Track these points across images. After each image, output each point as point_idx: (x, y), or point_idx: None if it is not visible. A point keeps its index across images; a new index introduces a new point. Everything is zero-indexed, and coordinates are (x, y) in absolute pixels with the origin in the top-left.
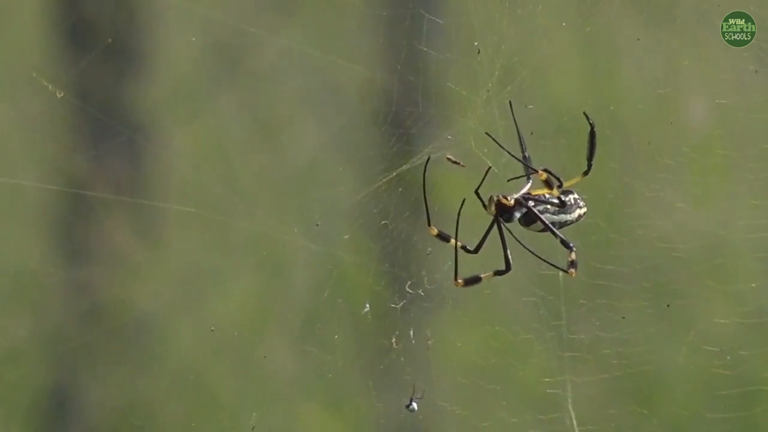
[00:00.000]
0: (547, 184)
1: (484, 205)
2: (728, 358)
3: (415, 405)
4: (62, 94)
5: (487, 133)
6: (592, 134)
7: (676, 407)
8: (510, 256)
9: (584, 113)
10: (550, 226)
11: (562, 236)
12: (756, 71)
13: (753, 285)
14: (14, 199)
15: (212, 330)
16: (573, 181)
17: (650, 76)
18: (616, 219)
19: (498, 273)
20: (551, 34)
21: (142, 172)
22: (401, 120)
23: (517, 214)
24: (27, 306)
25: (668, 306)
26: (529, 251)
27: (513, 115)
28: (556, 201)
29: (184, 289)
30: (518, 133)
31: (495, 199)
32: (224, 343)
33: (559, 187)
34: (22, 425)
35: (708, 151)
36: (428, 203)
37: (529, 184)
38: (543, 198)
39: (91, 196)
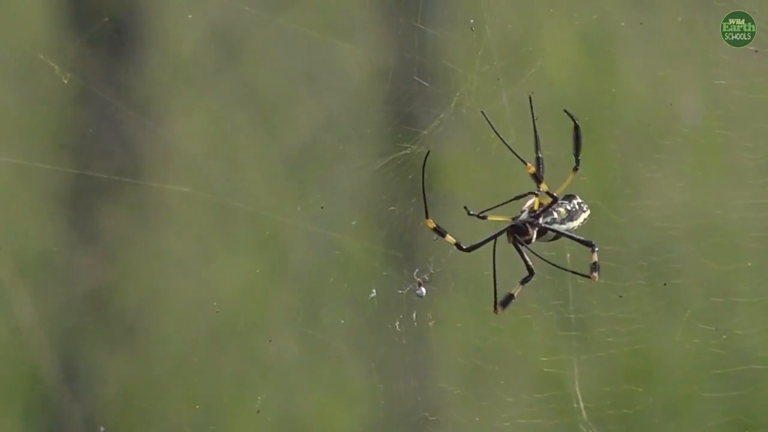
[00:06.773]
0: (535, 177)
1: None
2: (724, 337)
3: (423, 290)
4: (68, 78)
5: (482, 113)
6: (577, 130)
7: (671, 386)
8: (530, 261)
9: (565, 110)
10: (565, 233)
11: (580, 237)
12: (756, 51)
13: (749, 264)
14: (17, 179)
15: (217, 312)
16: (567, 183)
17: (651, 58)
18: (615, 199)
19: (524, 281)
20: (555, 17)
21: (144, 153)
22: (399, 98)
23: (534, 234)
24: (29, 286)
25: (665, 285)
26: (549, 263)
27: (532, 111)
28: (561, 210)
29: (187, 272)
30: (534, 133)
31: (511, 234)
32: (229, 326)
33: (551, 194)
34: (22, 407)
35: (706, 131)
36: (426, 196)
37: (531, 201)
38: (549, 209)
39: (93, 177)
